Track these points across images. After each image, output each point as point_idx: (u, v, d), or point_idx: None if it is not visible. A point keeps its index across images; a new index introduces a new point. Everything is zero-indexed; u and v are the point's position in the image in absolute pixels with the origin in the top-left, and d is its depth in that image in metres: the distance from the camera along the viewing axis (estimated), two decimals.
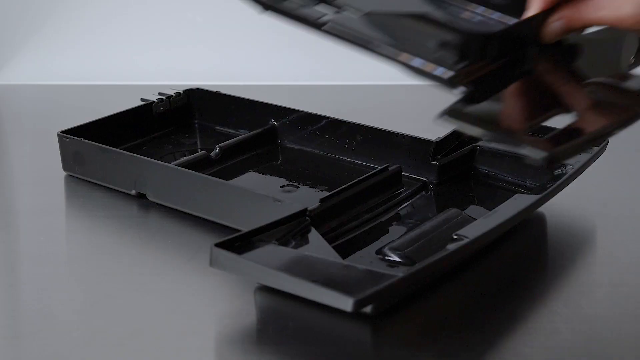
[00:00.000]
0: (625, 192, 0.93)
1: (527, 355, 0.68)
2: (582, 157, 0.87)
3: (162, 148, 1.00)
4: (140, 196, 0.89)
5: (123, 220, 0.87)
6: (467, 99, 0.67)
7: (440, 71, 0.67)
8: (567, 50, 0.75)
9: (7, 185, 0.98)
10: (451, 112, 0.65)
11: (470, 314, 0.73)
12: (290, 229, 0.75)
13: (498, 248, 0.81)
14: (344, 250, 0.76)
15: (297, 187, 0.90)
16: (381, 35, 0.70)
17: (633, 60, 0.74)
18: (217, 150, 0.94)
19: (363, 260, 0.76)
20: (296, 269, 0.70)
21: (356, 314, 0.70)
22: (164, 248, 0.82)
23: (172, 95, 1.05)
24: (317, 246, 0.73)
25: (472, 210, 0.84)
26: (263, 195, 0.80)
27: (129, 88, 1.25)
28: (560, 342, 0.69)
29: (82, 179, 0.94)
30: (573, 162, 0.86)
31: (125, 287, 0.77)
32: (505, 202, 0.80)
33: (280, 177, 0.93)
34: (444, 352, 0.68)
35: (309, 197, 0.87)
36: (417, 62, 0.67)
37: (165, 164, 0.88)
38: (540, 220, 0.86)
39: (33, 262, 0.81)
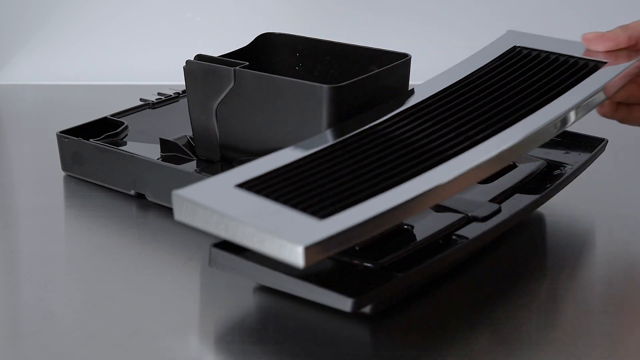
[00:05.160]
0: (625, 192, 0.93)
1: (527, 355, 0.68)
2: (581, 157, 0.87)
3: None
4: (139, 196, 0.89)
5: (122, 221, 0.87)
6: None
7: None
8: None
9: (7, 185, 0.98)
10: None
11: (469, 314, 0.72)
12: None
13: (498, 248, 0.81)
14: None
15: None
16: None
17: None
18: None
19: None
20: (295, 269, 0.70)
21: (355, 314, 0.70)
22: (164, 248, 0.82)
23: (171, 95, 1.05)
24: None
25: None
26: None
27: (128, 88, 1.25)
28: (560, 341, 0.69)
29: (81, 179, 0.94)
30: (572, 162, 0.86)
31: (124, 287, 0.77)
32: (505, 202, 0.80)
33: None
34: (443, 352, 0.68)
35: None
36: None
37: (164, 163, 0.87)
38: (540, 220, 0.86)
39: (33, 262, 0.81)
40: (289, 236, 0.63)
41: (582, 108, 0.77)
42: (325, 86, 0.79)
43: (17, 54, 1.32)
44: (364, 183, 0.69)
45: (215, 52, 0.90)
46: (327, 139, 0.76)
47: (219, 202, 0.67)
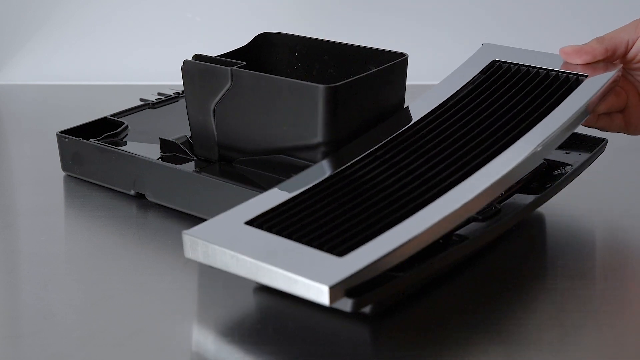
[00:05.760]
0: (625, 192, 0.93)
1: (527, 355, 0.68)
2: (581, 157, 0.87)
3: None
4: (139, 196, 0.89)
5: (122, 221, 0.87)
6: None
7: None
8: None
9: (7, 185, 0.98)
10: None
11: (469, 313, 0.73)
12: None
13: (498, 248, 0.81)
14: None
15: None
16: None
17: None
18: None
19: None
20: None
21: (355, 314, 0.70)
22: (163, 248, 0.82)
23: (171, 95, 1.05)
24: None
25: None
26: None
27: (128, 88, 1.25)
28: (560, 341, 0.69)
29: (81, 179, 0.94)
30: (572, 162, 0.86)
31: (124, 287, 0.77)
32: (505, 202, 0.80)
33: None
34: (443, 352, 0.68)
35: None
36: None
37: (164, 163, 0.88)
38: (540, 220, 0.86)
39: (33, 262, 0.81)
40: (313, 276, 0.64)
41: (567, 129, 0.78)
42: (321, 86, 0.79)
43: (17, 54, 1.32)
44: (373, 216, 0.70)
45: (216, 52, 0.90)
46: (328, 169, 0.76)
47: (232, 241, 0.68)
